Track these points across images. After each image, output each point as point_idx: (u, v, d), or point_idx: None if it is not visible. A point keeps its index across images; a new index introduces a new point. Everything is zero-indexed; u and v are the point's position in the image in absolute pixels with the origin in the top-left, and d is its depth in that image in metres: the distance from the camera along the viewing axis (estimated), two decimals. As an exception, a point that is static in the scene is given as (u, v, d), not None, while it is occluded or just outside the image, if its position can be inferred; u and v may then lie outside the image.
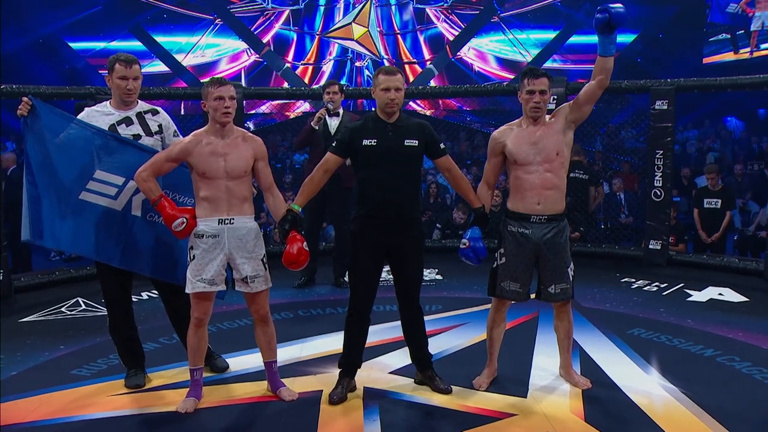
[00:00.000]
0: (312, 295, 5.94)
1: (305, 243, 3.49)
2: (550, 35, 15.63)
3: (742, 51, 14.49)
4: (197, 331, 3.54)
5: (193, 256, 3.44)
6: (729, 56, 14.55)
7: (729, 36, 14.69)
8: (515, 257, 3.57)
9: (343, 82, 15.94)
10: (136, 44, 15.00)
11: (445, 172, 3.64)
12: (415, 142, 3.45)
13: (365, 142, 3.43)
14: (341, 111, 5.94)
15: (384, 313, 4.91)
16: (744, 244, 7.80)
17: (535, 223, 3.52)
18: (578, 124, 3.56)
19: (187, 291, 3.47)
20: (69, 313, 5.40)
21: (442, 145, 3.59)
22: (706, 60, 14.55)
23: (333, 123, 5.87)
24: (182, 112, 13.22)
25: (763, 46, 14.28)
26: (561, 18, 15.57)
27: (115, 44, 14.81)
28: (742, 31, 14.46)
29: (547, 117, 3.55)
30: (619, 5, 3.25)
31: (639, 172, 10.20)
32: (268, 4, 15.84)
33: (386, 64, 15.75)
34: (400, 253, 3.57)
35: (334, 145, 3.53)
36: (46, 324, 5.11)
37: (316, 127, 5.79)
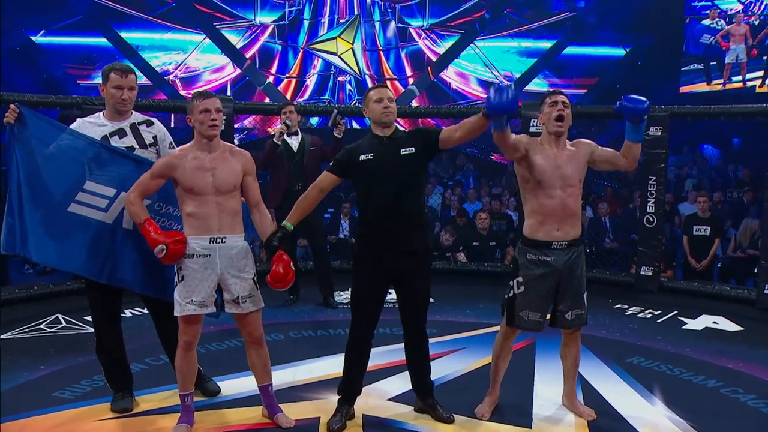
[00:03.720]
0: (302, 315, 5.77)
1: (292, 262, 3.36)
2: (530, 60, 15.77)
3: (714, 82, 14.67)
4: (186, 354, 3.36)
5: (182, 277, 3.27)
6: (702, 87, 14.71)
7: (702, 67, 14.89)
8: (536, 286, 3.43)
9: (326, 96, 15.90)
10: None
11: (454, 137, 3.35)
12: (411, 149, 3.34)
13: (362, 157, 3.34)
14: (299, 130, 6.06)
15: (384, 336, 4.74)
16: (728, 270, 7.76)
17: (557, 250, 3.41)
18: (588, 167, 3.48)
19: (176, 314, 3.30)
20: (48, 330, 5.15)
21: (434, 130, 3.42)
22: (682, 89, 14.72)
23: (293, 142, 5.98)
24: (172, 125, 12.95)
25: (735, 78, 14.51)
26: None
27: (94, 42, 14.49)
28: (715, 63, 14.66)
29: (567, 143, 3.46)
30: (644, 99, 3.26)
31: (622, 197, 10.22)
32: (255, 20, 15.67)
33: (368, 80, 15.67)
34: (406, 277, 3.45)
35: (331, 164, 3.43)
36: (25, 342, 4.86)
37: (278, 142, 5.87)
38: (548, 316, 3.56)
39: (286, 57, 16.12)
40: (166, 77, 15.20)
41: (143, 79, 14.90)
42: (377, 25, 16.17)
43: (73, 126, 3.58)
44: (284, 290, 5.79)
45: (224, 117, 6.16)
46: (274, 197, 6.05)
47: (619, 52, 15.48)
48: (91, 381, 3.98)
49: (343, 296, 6.14)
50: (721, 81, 14.57)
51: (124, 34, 14.89)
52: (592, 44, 15.52)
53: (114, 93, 3.52)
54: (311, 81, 16.11)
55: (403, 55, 16.39)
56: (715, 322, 5.59)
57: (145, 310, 3.89)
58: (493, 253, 7.71)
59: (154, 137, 3.67)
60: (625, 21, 14.45)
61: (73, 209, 3.47)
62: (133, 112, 3.67)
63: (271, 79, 15.67)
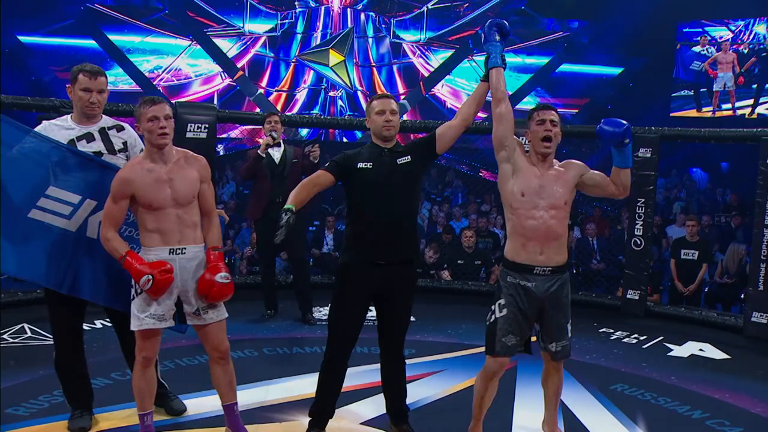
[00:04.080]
0: (278, 331, 5.58)
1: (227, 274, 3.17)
2: (524, 77, 15.73)
3: (705, 109, 14.67)
4: (145, 372, 3.18)
5: (140, 289, 3.08)
6: (692, 113, 14.73)
7: (692, 93, 14.89)
8: (515, 310, 3.24)
9: (316, 111, 15.72)
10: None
11: (450, 131, 3.37)
12: (408, 158, 3.27)
13: (360, 165, 3.23)
14: (281, 142, 5.85)
15: (360, 355, 4.55)
16: (715, 296, 7.64)
17: (538, 276, 3.21)
18: (577, 191, 3.34)
19: (133, 328, 3.12)
20: (12, 340, 4.92)
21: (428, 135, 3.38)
22: (673, 114, 14.70)
23: (276, 154, 5.78)
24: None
25: (724, 106, 14.52)
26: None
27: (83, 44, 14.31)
28: (705, 90, 14.66)
29: (556, 163, 3.29)
30: (624, 122, 3.13)
31: (610, 218, 10.10)
32: (244, 28, 15.49)
33: (360, 96, 15.54)
34: (390, 296, 3.32)
35: (327, 164, 3.29)
36: (-14, 352, 4.63)
37: (263, 155, 5.70)
38: (533, 338, 3.38)
39: (277, 69, 15.95)
40: (156, 83, 14.97)
41: (133, 85, 14.74)
42: (371, 40, 16.07)
43: (38, 128, 3.40)
44: (263, 306, 5.83)
45: (207, 126, 6.19)
46: (255, 210, 5.89)
47: (613, 71, 15.48)
48: (51, 396, 3.78)
49: (323, 312, 5.96)
50: (711, 108, 14.58)
51: (113, 37, 14.63)
52: (584, 64, 15.51)
53: (82, 96, 3.35)
54: (301, 95, 15.91)
55: (395, 70, 16.28)
56: (701, 350, 5.43)
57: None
58: (478, 272, 7.56)
59: (124, 143, 3.50)
60: (617, 43, 14.44)
61: (34, 215, 3.29)
62: (103, 116, 3.49)
63: (261, 91, 15.50)
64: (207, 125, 6.18)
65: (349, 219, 3.37)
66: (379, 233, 3.21)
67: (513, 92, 15.25)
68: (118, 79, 14.51)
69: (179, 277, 3.11)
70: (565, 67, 15.71)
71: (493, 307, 3.28)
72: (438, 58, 16.09)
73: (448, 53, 15.96)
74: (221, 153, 13.55)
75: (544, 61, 15.75)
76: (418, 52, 16.23)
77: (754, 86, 14.42)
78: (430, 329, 5.65)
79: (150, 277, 3.01)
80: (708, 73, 14.55)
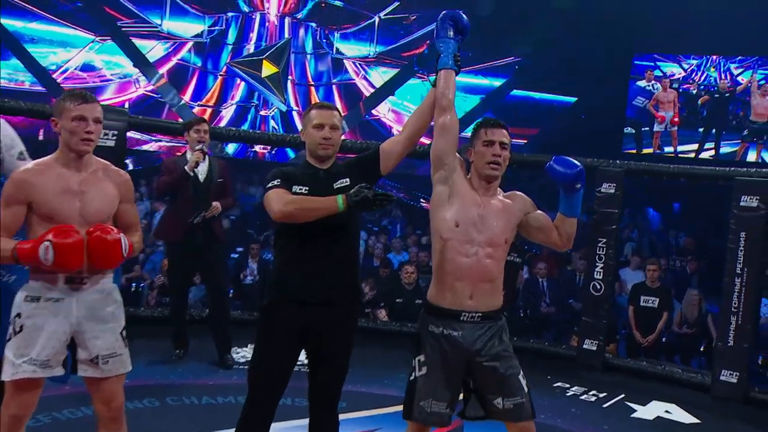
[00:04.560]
0: (187, 376, 5.07)
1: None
2: (474, 98, 15.75)
3: (645, 150, 14.77)
4: (13, 435, 2.68)
5: (21, 327, 2.62)
6: (633, 153, 14.75)
7: (633, 132, 15.00)
8: (439, 368, 2.90)
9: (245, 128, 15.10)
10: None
11: (397, 147, 3.12)
12: (346, 181, 3.01)
13: (295, 188, 2.94)
14: (207, 157, 5.39)
15: (283, 408, 4.11)
16: (673, 347, 7.49)
17: (466, 323, 2.89)
18: (521, 227, 3.06)
19: (4, 378, 2.62)
20: None
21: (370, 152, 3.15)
22: (626, 150, 14.79)
23: (201, 168, 5.28)
24: (41, 137, 11.85)
25: (666, 149, 14.72)
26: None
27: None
28: (647, 129, 14.87)
29: (500, 193, 3.03)
30: (577, 164, 2.93)
31: (559, 258, 9.91)
32: (162, 26, 14.71)
33: (295, 117, 15.05)
34: (324, 341, 3.01)
35: (276, 182, 2.95)
36: None
37: (191, 173, 5.19)
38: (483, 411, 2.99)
39: (203, 81, 15.25)
40: (59, 80, 13.96)
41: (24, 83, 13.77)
42: (309, 56, 15.65)
43: None
44: (171, 344, 5.33)
45: (116, 133, 5.63)
46: (171, 231, 5.38)
47: (566, 100, 15.58)
48: None
49: (242, 354, 5.55)
50: (652, 150, 14.71)
51: (5, 21, 13.46)
52: (537, 92, 15.55)
53: None
54: (228, 112, 15.19)
55: (335, 89, 15.92)
56: (667, 411, 5.19)
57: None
58: (418, 312, 7.13)
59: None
60: (571, 72, 14.49)
61: None
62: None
63: (183, 101, 14.73)
64: (116, 132, 5.63)
65: (278, 250, 3.06)
66: (312, 268, 2.95)
67: (461, 116, 15.15)
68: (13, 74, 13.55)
69: (74, 314, 2.68)
70: (517, 93, 15.73)
71: (413, 362, 2.95)
72: (382, 77, 15.80)
73: (393, 72, 15.72)
74: (131, 167, 12.71)
75: (498, 82, 15.74)
76: (362, 72, 15.94)
77: (701, 129, 14.67)
78: (363, 378, 5.20)
79: (47, 243, 2.55)
80: (651, 112, 14.73)
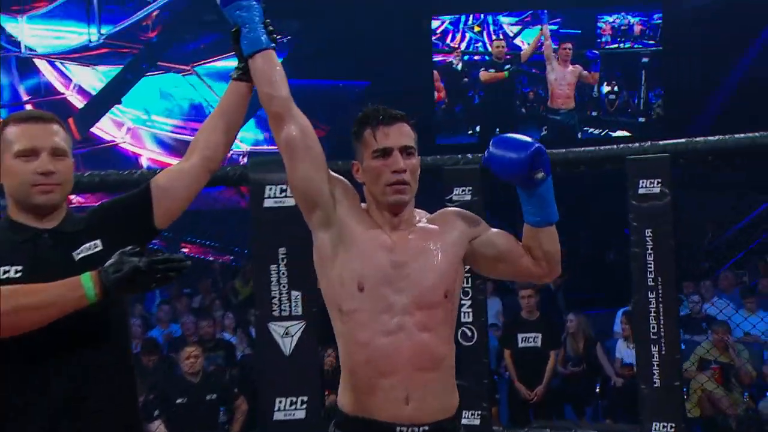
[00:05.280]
0: None
1: None
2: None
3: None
4: None
5: None
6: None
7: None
8: None
9: None
10: None
11: (190, 172, 2.76)
12: (96, 245, 2.56)
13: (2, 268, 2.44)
14: None
15: None
16: (560, 394, 7.40)
17: None
18: (471, 262, 2.76)
19: None
20: None
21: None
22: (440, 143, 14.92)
23: None
24: None
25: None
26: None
27: None
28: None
29: (420, 218, 2.73)
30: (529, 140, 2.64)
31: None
32: None
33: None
34: None
35: None
36: None
37: None
38: None
39: None
40: None
41: None
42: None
43: None
44: None
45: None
46: None
47: (359, 83, 15.49)
48: None
49: None
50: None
51: None
52: (317, 79, 15.28)
53: None
54: None
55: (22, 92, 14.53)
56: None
57: None
58: (214, 416, 6.53)
59: None
60: (358, 48, 14.43)
61: None
62: None
63: None
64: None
65: None
66: (52, 402, 2.45)
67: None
68: None
69: None
70: (292, 80, 15.42)
71: None
72: (98, 78, 14.60)
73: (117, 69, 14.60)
74: None
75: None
76: (69, 72, 14.63)
77: (470, 131, 15.20)
78: None
79: None
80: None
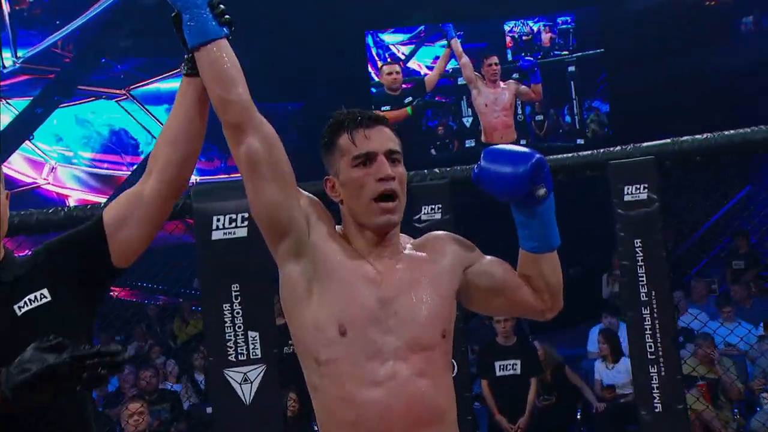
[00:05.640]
0: None
1: None
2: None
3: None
4: None
5: None
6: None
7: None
8: None
9: None
10: None
11: (153, 199, 2.39)
12: (43, 293, 2.28)
13: None
14: None
15: None
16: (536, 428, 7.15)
17: None
18: (463, 295, 2.46)
19: None
20: None
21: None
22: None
23: None
24: None
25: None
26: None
27: None
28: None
29: (405, 244, 2.42)
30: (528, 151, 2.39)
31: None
32: None
33: None
34: None
35: None
36: None
37: None
38: None
39: None
40: None
41: None
42: None
43: None
44: None
45: None
46: None
47: (293, 105, 15.33)
48: None
49: None
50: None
51: None
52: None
53: None
54: None
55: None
56: None
57: None
58: None
59: None
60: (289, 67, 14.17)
61: None
62: None
63: None
64: None
65: None
66: None
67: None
68: None
69: None
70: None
71: None
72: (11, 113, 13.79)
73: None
74: None
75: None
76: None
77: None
78: None
79: None
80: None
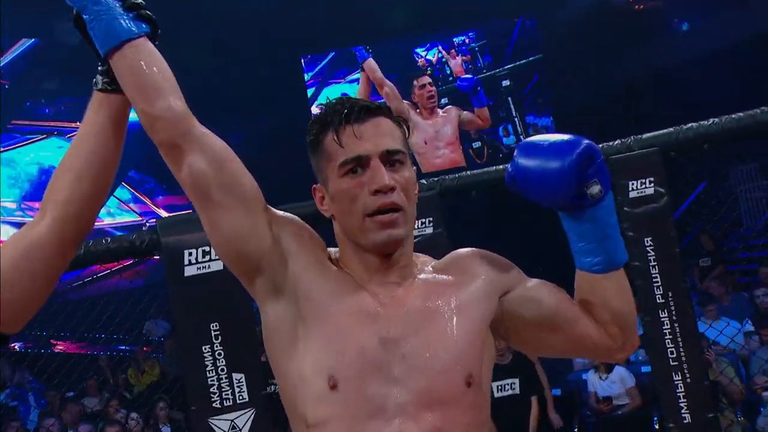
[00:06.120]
0: None
1: None
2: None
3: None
4: None
5: None
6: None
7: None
8: None
9: None
10: None
11: (49, 242, 1.84)
12: None
13: None
14: None
15: None
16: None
17: None
18: (500, 329, 1.99)
19: None
20: None
21: None
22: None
23: None
24: None
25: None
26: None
27: None
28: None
29: (423, 266, 1.98)
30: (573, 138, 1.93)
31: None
32: None
33: None
34: None
35: None
36: None
37: None
38: None
39: None
40: None
41: None
42: None
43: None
44: None
45: None
46: None
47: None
48: None
49: None
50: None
51: None
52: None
53: None
54: None
55: None
56: None
57: None
58: None
59: None
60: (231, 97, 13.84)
61: None
62: None
63: None
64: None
65: None
66: None
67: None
68: None
69: None
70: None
71: None
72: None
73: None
74: None
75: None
76: None
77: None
78: None
79: None
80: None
